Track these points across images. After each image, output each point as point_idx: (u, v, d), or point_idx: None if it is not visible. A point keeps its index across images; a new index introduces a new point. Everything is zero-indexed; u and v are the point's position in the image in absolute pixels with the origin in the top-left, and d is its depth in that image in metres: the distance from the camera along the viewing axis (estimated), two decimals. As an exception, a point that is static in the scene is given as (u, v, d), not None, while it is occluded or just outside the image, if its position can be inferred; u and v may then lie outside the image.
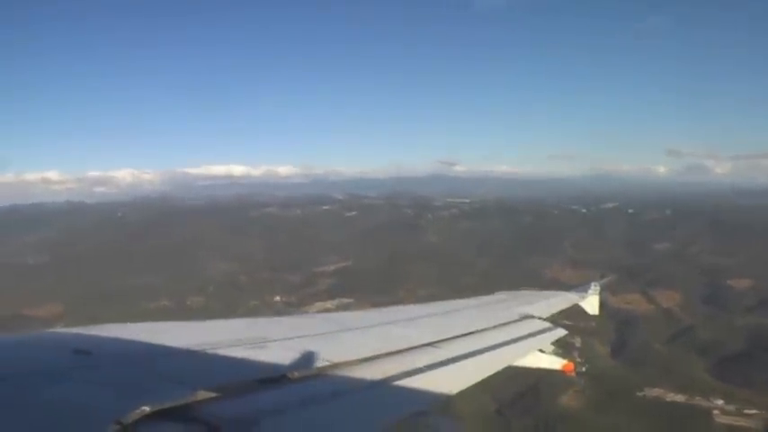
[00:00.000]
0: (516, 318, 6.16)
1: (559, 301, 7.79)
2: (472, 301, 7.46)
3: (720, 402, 46.78)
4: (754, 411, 44.51)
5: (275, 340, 3.65)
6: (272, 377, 3.14)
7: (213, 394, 2.74)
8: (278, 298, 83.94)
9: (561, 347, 5.75)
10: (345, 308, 69.36)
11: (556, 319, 6.60)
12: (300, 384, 3.17)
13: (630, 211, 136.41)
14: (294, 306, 78.33)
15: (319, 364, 3.46)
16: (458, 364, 4.20)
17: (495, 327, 5.58)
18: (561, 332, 6.01)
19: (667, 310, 74.26)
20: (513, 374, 5.80)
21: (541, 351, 5.53)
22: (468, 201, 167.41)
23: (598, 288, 8.49)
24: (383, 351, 3.94)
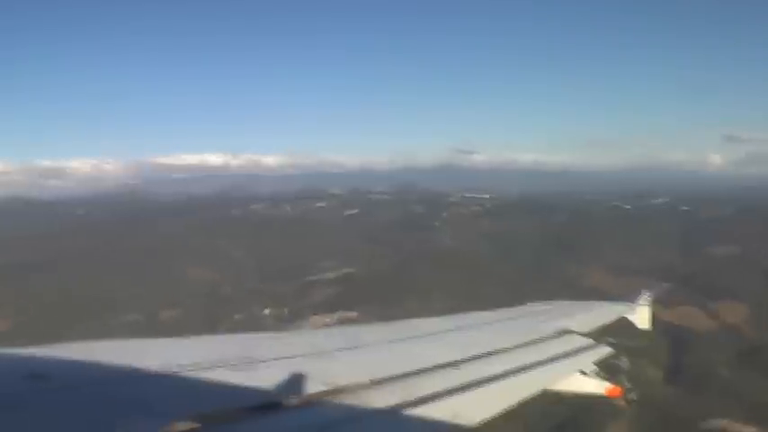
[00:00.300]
0: (552, 333, 6.21)
1: (603, 313, 7.81)
2: (499, 314, 7.47)
3: (799, 436, 47.44)
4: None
5: (265, 360, 3.65)
6: (263, 404, 3.12)
7: (192, 425, 2.74)
8: (267, 311, 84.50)
9: (605, 369, 5.67)
10: (347, 323, 69.36)
11: (598, 336, 6.56)
12: (295, 413, 3.17)
13: (684, 208, 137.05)
14: (287, 321, 78.84)
15: (317, 388, 3.45)
16: (482, 388, 4.21)
17: (526, 344, 5.63)
18: (605, 350, 6.02)
19: (732, 326, 73.90)
20: (548, 401, 5.72)
21: (582, 373, 5.47)
22: (488, 196, 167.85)
23: (649, 299, 8.51)
24: (393, 373, 3.93)
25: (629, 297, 8.74)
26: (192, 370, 3.24)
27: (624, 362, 52.46)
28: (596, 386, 5.41)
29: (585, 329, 6.61)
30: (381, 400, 3.53)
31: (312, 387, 3.43)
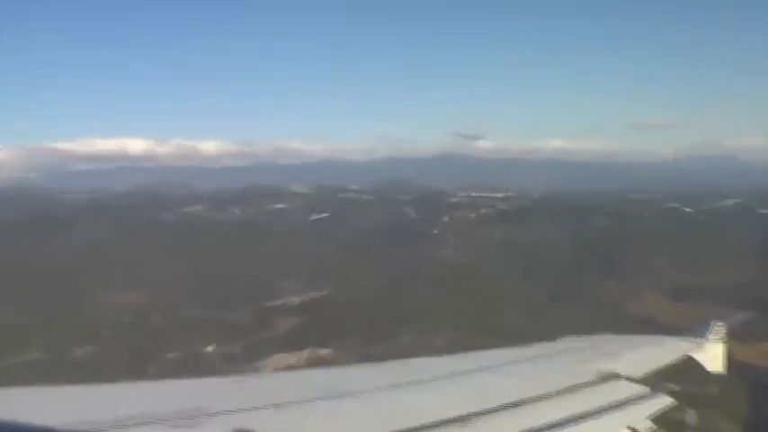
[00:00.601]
0: (593, 378, 6.10)
1: (660, 351, 7.77)
2: (521, 353, 7.49)
3: None
4: None
5: (214, 414, 3.55)
6: None
7: None
8: (212, 348, 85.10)
9: (665, 425, 5.58)
10: (320, 363, 69.50)
11: (655, 381, 6.52)
12: None
13: (763, 211, 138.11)
14: (239, 361, 78.96)
15: None
16: None
17: (558, 392, 5.51)
18: (664, 401, 5.96)
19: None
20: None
21: (633, 431, 5.41)
22: (501, 195, 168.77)
23: (721, 332, 8.40)
24: (384, 431, 3.93)
25: (695, 330, 8.68)
26: (113, 428, 3.13)
27: (690, 416, 50.55)
28: None
29: (637, 373, 6.47)
30: None
31: None
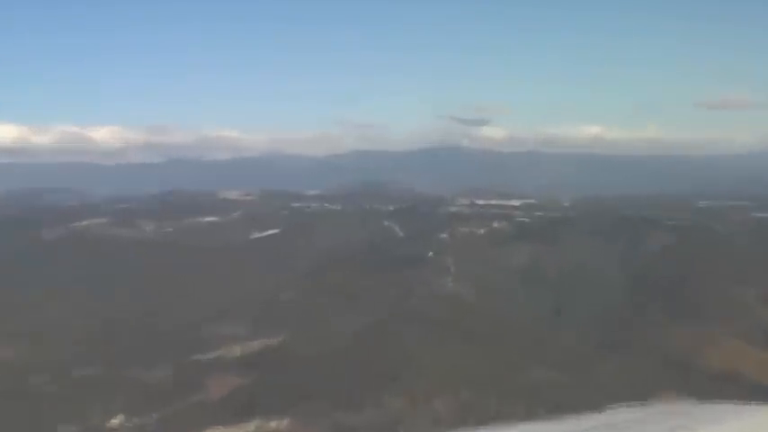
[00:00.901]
0: None
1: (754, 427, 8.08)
2: (556, 428, 7.79)
3: None
4: None
5: None
6: None
7: None
8: (119, 420, 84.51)
9: None
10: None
11: None
12: None
13: None
14: (158, 438, 77.97)
15: None
16: None
17: None
18: None
19: None
20: None
21: None
22: (519, 203, 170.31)
23: None
24: None
25: None
26: None
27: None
28: None
29: None
30: None
31: None
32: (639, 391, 74.28)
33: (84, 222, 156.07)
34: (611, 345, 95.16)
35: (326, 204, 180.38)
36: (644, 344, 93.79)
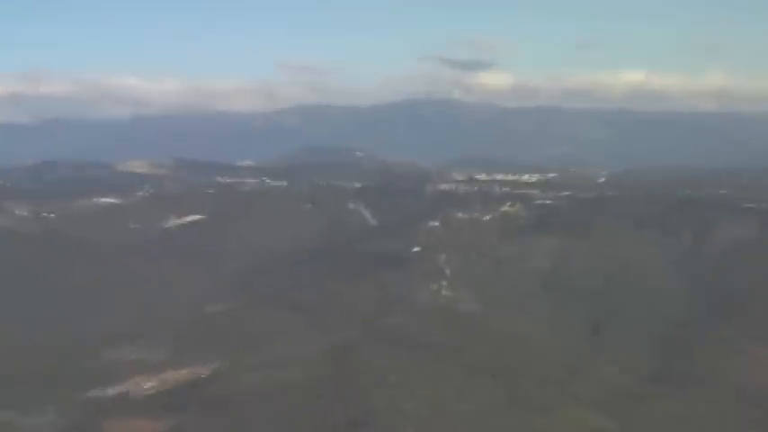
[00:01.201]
0: None
1: None
2: None
3: None
4: None
5: None
6: None
7: None
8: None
9: None
10: None
11: None
12: None
13: None
14: None
15: None
16: None
17: None
18: None
19: None
20: None
21: None
22: (536, 178, 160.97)
23: None
24: None
25: None
26: None
27: None
28: None
29: None
30: None
31: None
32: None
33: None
34: (668, 377, 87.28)
35: (267, 180, 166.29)
36: (712, 375, 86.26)
